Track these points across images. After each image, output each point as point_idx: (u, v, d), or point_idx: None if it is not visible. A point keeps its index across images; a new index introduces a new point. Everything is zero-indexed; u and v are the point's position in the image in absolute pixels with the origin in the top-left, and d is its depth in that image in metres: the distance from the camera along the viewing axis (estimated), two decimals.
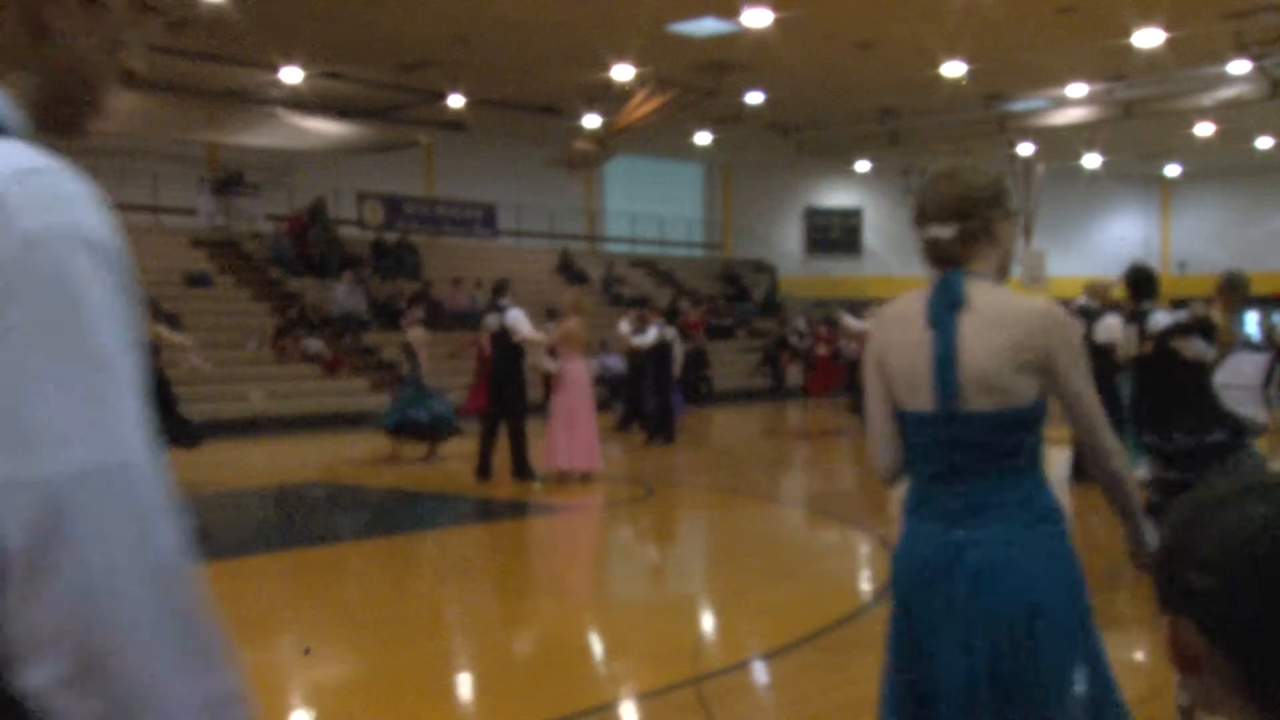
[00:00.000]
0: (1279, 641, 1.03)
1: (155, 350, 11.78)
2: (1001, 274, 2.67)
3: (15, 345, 0.92)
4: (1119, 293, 9.35)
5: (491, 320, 12.06)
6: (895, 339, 2.67)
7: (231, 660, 1.02)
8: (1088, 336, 10.09)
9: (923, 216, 2.65)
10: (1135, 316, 7.18)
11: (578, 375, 11.92)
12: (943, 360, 2.54)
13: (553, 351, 12.15)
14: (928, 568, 2.61)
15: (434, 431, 13.60)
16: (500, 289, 12.42)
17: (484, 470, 11.89)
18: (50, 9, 1.08)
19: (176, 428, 11.80)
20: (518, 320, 11.78)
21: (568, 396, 11.81)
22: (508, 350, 11.81)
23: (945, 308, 2.57)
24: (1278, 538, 1.04)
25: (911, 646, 2.71)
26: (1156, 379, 6.98)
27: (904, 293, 2.75)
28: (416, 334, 13.93)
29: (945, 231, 2.60)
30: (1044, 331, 2.51)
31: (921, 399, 2.59)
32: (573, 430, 11.68)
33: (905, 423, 2.67)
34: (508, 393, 11.85)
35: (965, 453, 2.56)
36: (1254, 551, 1.04)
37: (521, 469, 11.87)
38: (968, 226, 2.60)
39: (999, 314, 2.54)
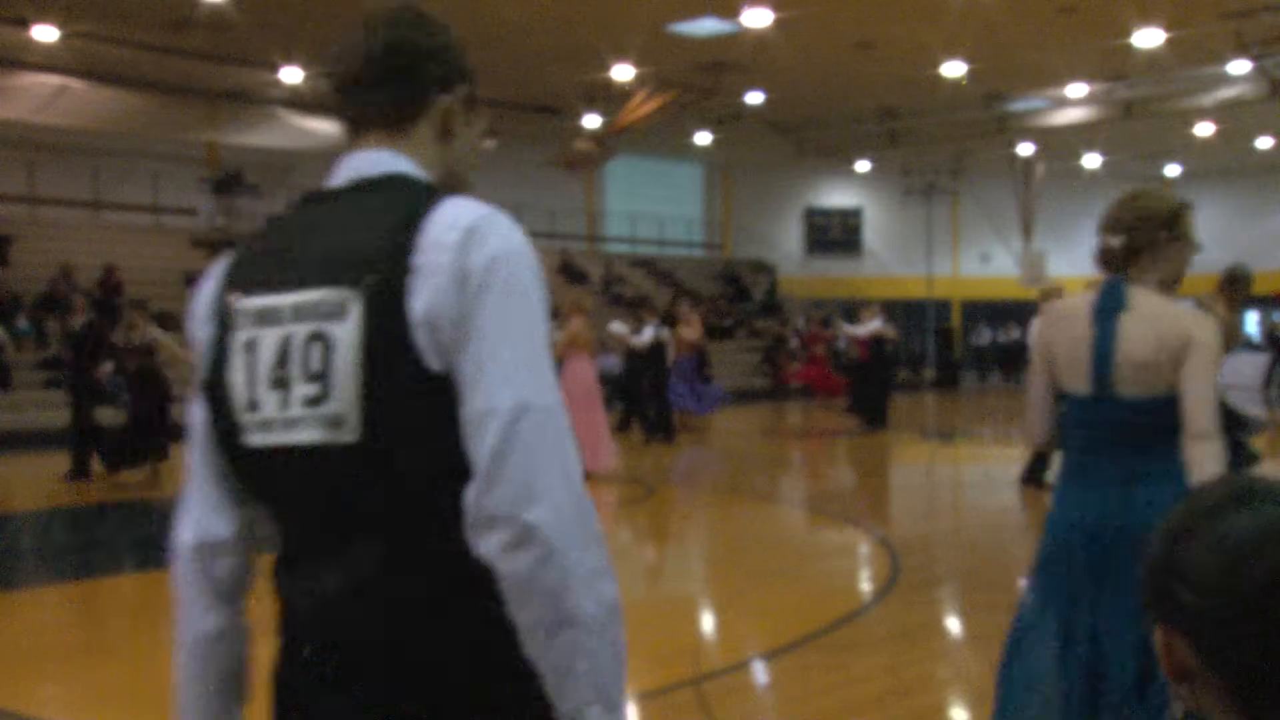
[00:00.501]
0: (1265, 662, 1.03)
1: (149, 350, 11.76)
2: (1166, 287, 3.16)
3: (486, 323, 1.40)
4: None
5: None
6: (1062, 331, 3.19)
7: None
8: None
9: (1103, 227, 3.18)
10: None
11: (583, 375, 11.91)
12: (1102, 353, 3.06)
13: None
14: (1083, 523, 3.06)
15: None
16: None
17: None
18: (454, 118, 1.66)
19: (162, 437, 11.77)
20: None
21: (571, 398, 11.78)
22: None
23: (1108, 309, 3.09)
24: (1267, 562, 1.03)
25: (1068, 597, 3.14)
26: None
27: (1075, 294, 3.34)
28: None
29: (1115, 241, 3.13)
30: (1187, 332, 2.98)
31: (1080, 383, 3.12)
32: (581, 431, 11.67)
33: (1065, 402, 3.20)
34: None
35: (1115, 430, 3.07)
36: (1241, 577, 1.04)
37: None
38: (1134, 240, 3.12)
39: (1153, 316, 3.04)
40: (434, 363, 1.40)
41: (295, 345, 1.46)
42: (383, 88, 1.61)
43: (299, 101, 22.14)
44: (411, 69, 1.63)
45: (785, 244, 34.01)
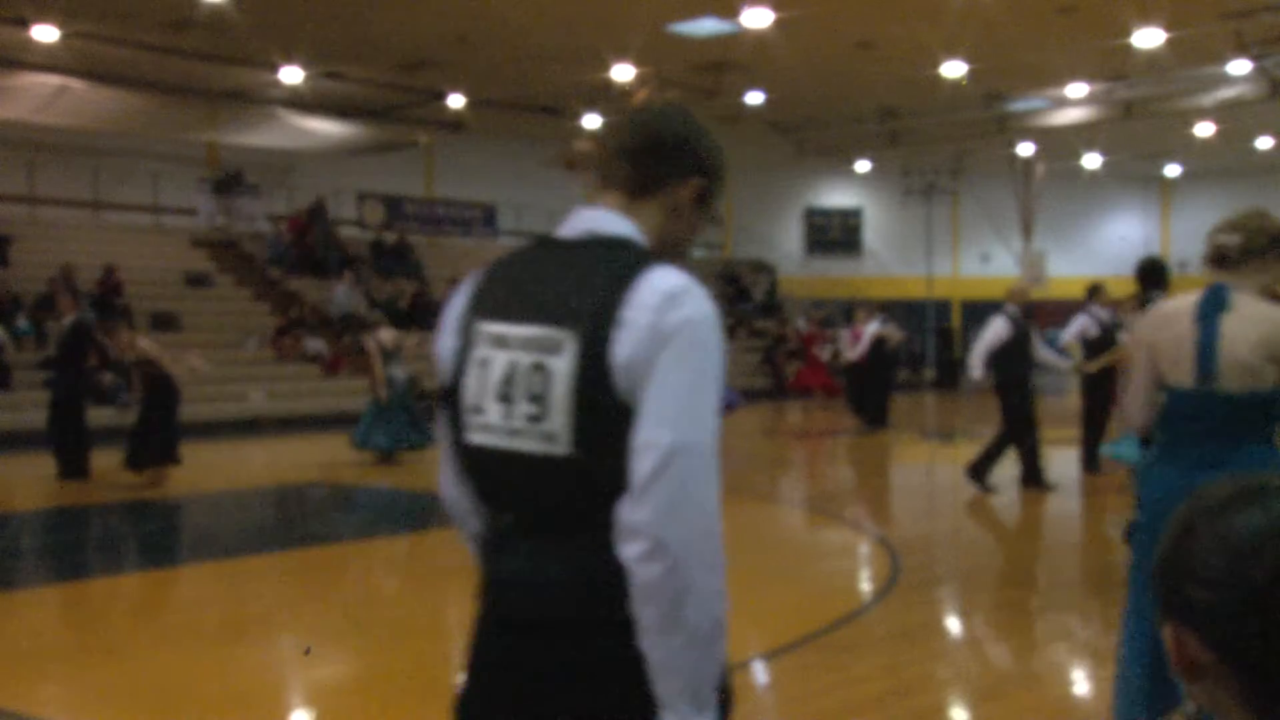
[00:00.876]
0: (1274, 656, 1.03)
1: (149, 360, 11.71)
2: (1266, 293, 3.49)
3: (664, 370, 1.68)
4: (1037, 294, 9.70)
5: None
6: (1165, 328, 3.52)
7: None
8: (1019, 342, 10.16)
9: (1220, 228, 3.51)
10: (1145, 307, 7.25)
11: None
12: (1205, 349, 3.37)
13: None
14: (1168, 500, 3.19)
15: (392, 452, 13.47)
16: None
17: None
18: (682, 203, 1.93)
19: (165, 445, 11.76)
20: None
21: None
22: None
23: (1212, 309, 3.40)
24: (1274, 555, 1.04)
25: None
26: None
27: (1179, 295, 3.64)
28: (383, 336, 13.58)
29: (1231, 239, 3.44)
30: None
31: (1183, 376, 3.44)
32: None
33: (1166, 393, 3.53)
34: None
35: (1212, 421, 3.40)
36: (1250, 570, 1.04)
37: None
38: (1250, 243, 3.44)
39: (1254, 317, 3.36)
40: (629, 398, 1.70)
41: (520, 370, 1.78)
42: (632, 161, 1.92)
43: (299, 101, 22.13)
44: (659, 154, 1.92)
45: (785, 244, 34.00)
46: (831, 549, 9.03)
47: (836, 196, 34.40)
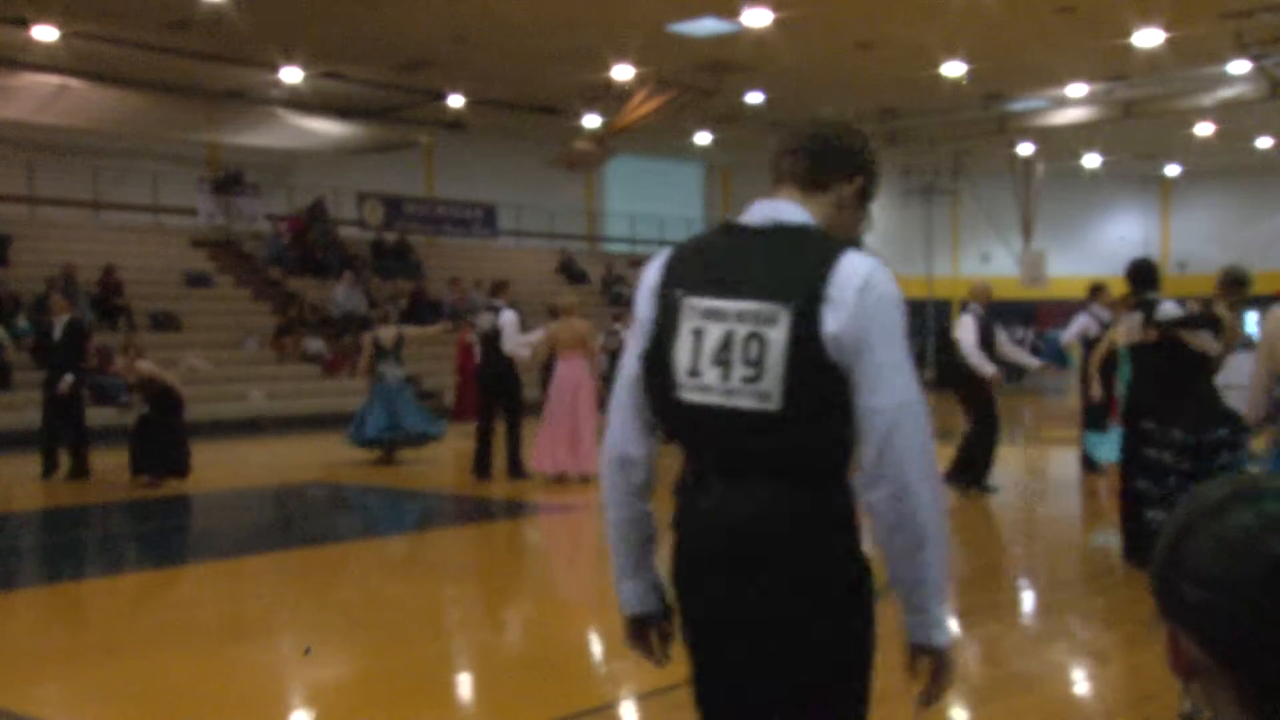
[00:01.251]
0: (1268, 655, 1.03)
1: (152, 379, 11.64)
2: None
3: (876, 344, 2.05)
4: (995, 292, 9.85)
5: (484, 320, 11.92)
6: None
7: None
8: (984, 340, 10.13)
9: None
10: (1142, 306, 7.11)
11: (568, 375, 11.60)
12: None
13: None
14: None
15: (390, 447, 13.50)
16: (497, 289, 12.35)
17: (482, 469, 11.82)
18: (846, 199, 2.29)
19: (175, 458, 11.73)
20: (508, 325, 11.59)
21: (556, 397, 11.62)
22: (500, 350, 11.68)
23: None
24: (1267, 554, 1.04)
25: None
26: (1158, 368, 6.96)
27: None
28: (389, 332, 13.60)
29: None
30: None
31: None
32: (559, 431, 11.47)
33: None
34: (502, 392, 11.77)
35: None
36: (1244, 568, 1.04)
37: (516, 468, 11.80)
38: None
39: None
40: (837, 363, 2.06)
41: (737, 339, 2.12)
42: (807, 160, 2.28)
43: (299, 101, 22.13)
44: (830, 156, 2.28)
45: None
46: None
47: None
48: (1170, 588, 1.09)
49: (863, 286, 2.05)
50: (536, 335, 12.30)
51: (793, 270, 2.11)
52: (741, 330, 2.11)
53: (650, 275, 2.30)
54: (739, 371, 2.10)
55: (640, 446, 2.32)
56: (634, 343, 2.29)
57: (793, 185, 2.27)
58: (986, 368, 10.26)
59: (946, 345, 13.16)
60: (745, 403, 2.10)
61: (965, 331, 10.29)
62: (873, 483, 2.09)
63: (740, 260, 2.17)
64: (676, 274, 2.24)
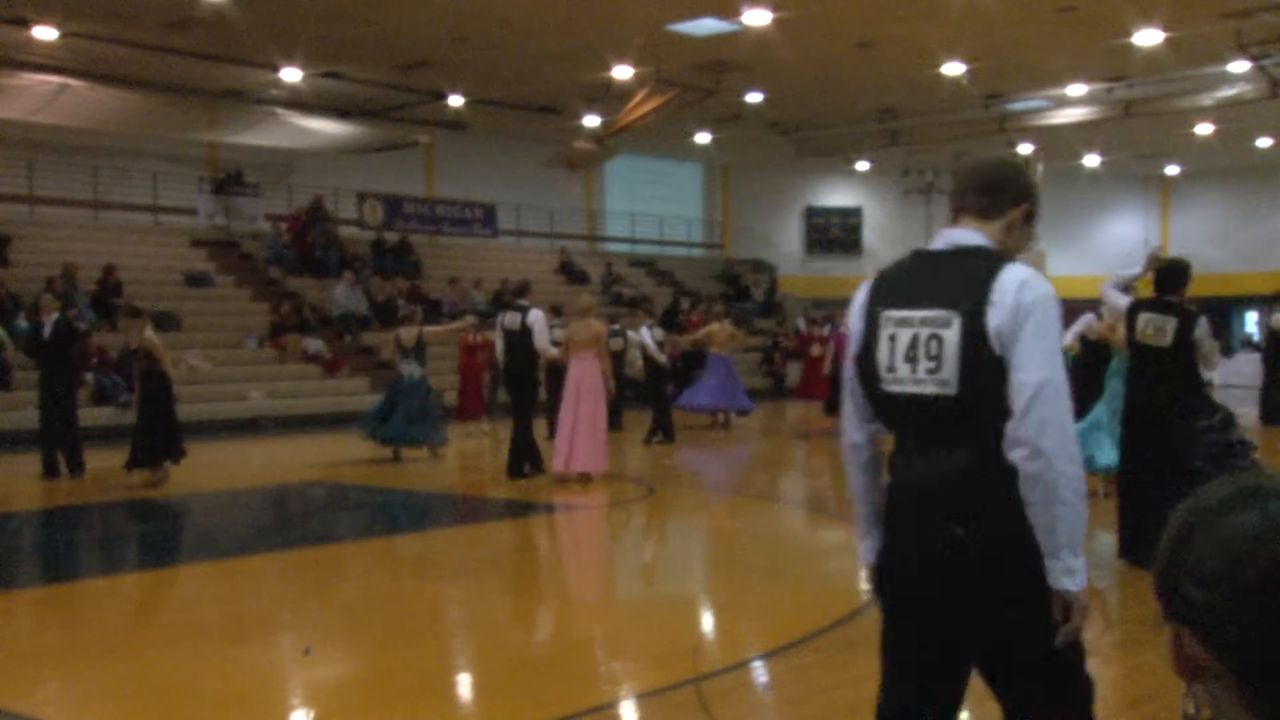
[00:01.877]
0: (1272, 654, 1.03)
1: (149, 353, 11.72)
2: None
3: (1027, 334, 2.53)
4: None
5: (510, 319, 12.02)
6: None
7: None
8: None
9: None
10: (1177, 310, 7.04)
11: (581, 375, 11.77)
12: None
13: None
14: None
15: (397, 449, 13.60)
16: (521, 289, 12.52)
17: (515, 466, 11.95)
18: (1015, 223, 2.80)
19: (168, 443, 11.78)
20: (539, 323, 11.80)
21: (570, 397, 11.75)
22: (526, 349, 11.83)
23: None
24: (1271, 554, 1.03)
25: None
26: (1168, 369, 7.02)
27: None
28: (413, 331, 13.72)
29: None
30: None
31: None
32: (572, 431, 11.60)
33: None
34: (521, 391, 11.95)
35: None
36: (1248, 569, 1.04)
37: (518, 468, 11.88)
38: None
39: None
40: (1000, 354, 2.56)
41: (921, 340, 2.66)
42: (982, 195, 2.83)
43: (299, 101, 22.12)
44: (1000, 189, 2.82)
45: (785, 244, 33.99)
46: (831, 549, 9.02)
47: (836, 196, 34.39)
48: (1174, 588, 1.09)
49: (1018, 289, 2.57)
50: (560, 334, 12.56)
51: (963, 282, 2.64)
52: (924, 332, 2.65)
53: (860, 296, 2.84)
54: (923, 365, 2.64)
55: (862, 433, 2.90)
56: (850, 349, 2.86)
57: (970, 215, 2.82)
58: None
59: None
60: (930, 389, 2.64)
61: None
62: (1013, 444, 2.55)
63: (924, 278, 2.74)
64: (878, 293, 2.80)
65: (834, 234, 34.30)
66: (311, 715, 5.00)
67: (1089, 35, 18.24)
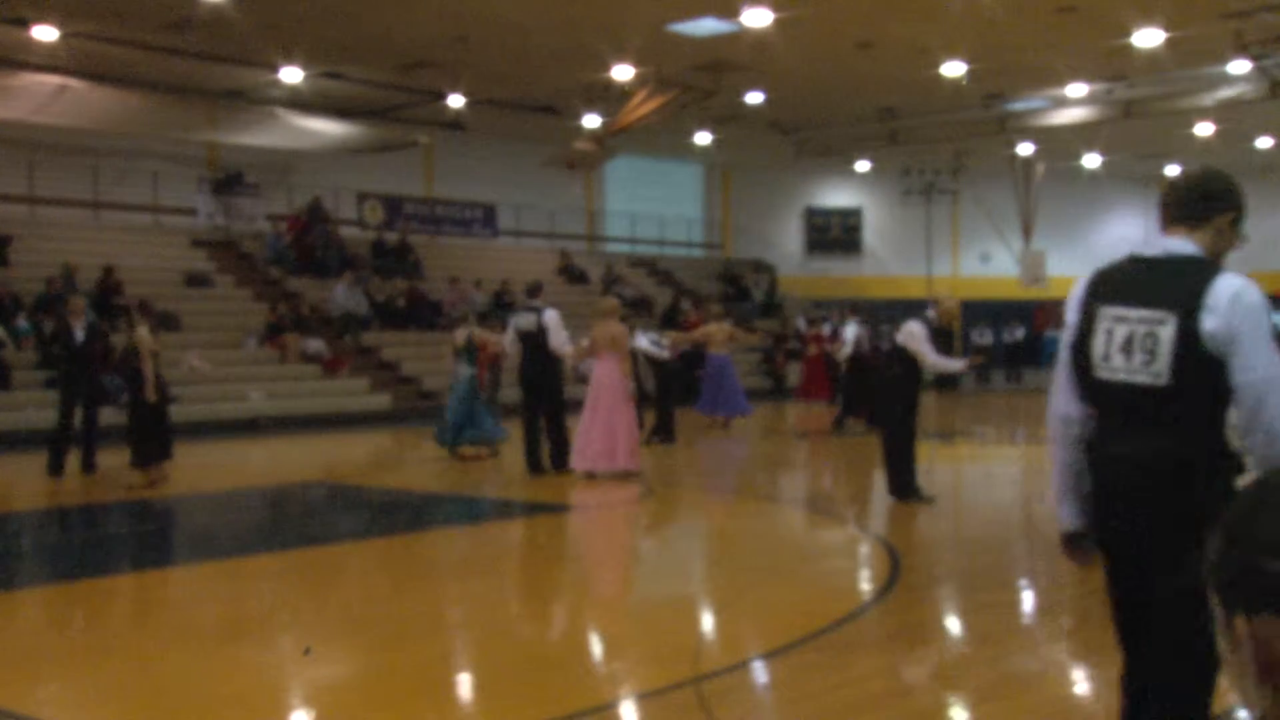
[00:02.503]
0: None
1: (139, 353, 11.72)
2: None
3: (1246, 338, 2.91)
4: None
5: (525, 320, 12.12)
6: None
7: None
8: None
9: None
10: None
11: (603, 376, 11.89)
12: None
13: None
14: None
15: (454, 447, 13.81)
16: (534, 290, 12.66)
17: (534, 465, 12.06)
18: (1223, 230, 3.21)
19: (157, 443, 11.81)
20: (554, 322, 11.98)
21: (592, 397, 11.85)
22: (542, 348, 11.95)
23: None
24: None
25: None
26: None
27: None
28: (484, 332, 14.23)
29: None
30: None
31: None
32: (598, 429, 11.72)
33: None
34: (545, 388, 12.04)
35: None
36: None
37: (562, 461, 12.01)
38: None
39: None
40: (1213, 354, 2.91)
41: (1138, 335, 3.02)
42: (1191, 204, 3.16)
43: (299, 101, 22.12)
44: (1208, 200, 3.17)
45: (785, 244, 33.99)
46: (831, 549, 9.03)
47: (836, 196, 34.39)
48: (1246, 570, 1.03)
49: (1233, 298, 2.91)
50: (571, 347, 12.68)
51: (1179, 287, 2.99)
52: (1141, 329, 3.00)
53: (1077, 290, 3.20)
54: (1138, 358, 3.01)
55: (1075, 409, 3.21)
56: (1065, 337, 3.22)
57: (1180, 224, 3.14)
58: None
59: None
60: (1144, 379, 3.00)
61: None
62: (1248, 431, 2.94)
63: (1141, 280, 3.08)
64: (1095, 290, 3.16)
65: (834, 234, 34.30)
66: (311, 715, 5.00)
67: (1089, 35, 18.24)
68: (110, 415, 16.76)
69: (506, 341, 12.59)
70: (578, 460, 11.81)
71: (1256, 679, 1.03)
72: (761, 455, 16.10)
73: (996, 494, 10.51)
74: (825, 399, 21.63)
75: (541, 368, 12.05)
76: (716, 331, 17.96)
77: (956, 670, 5.43)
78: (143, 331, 11.80)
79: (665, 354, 16.62)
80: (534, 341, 11.98)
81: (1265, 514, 1.03)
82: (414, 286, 23.72)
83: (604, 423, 11.67)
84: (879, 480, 13.44)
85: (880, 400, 10.38)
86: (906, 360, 9.98)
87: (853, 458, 15.50)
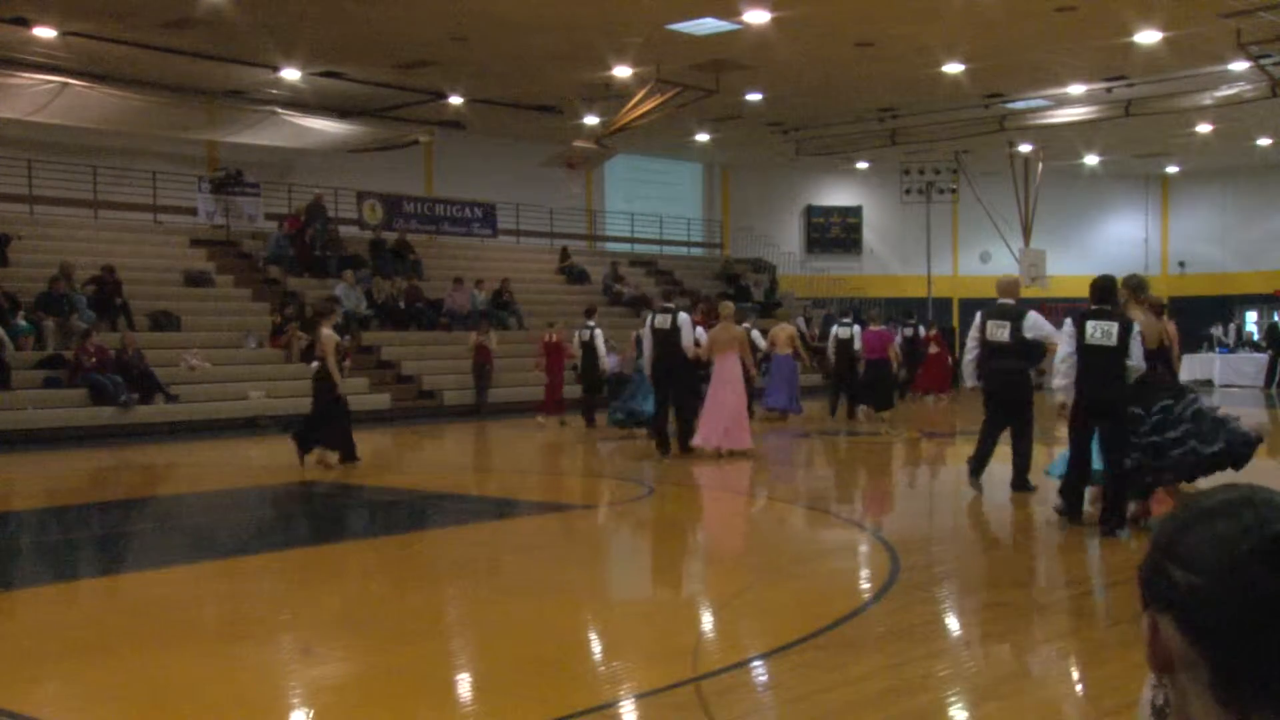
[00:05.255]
0: (1254, 641, 1.05)
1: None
2: None
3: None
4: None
5: (661, 319, 13.90)
6: None
7: None
8: (1017, 332, 10.00)
9: None
10: (1104, 316, 8.35)
11: (724, 371, 13.77)
12: None
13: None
14: None
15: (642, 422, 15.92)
16: (675, 295, 14.53)
17: (663, 446, 14.03)
18: None
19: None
20: (687, 324, 13.75)
21: (716, 388, 13.70)
22: (675, 346, 13.64)
23: None
24: (1264, 538, 1.06)
25: None
26: (1113, 368, 8.33)
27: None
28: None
29: None
30: None
31: None
32: (721, 414, 13.56)
33: None
34: (679, 384, 13.87)
35: None
36: (1238, 550, 1.06)
37: (686, 443, 13.88)
38: None
39: None
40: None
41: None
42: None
43: (299, 101, 22.12)
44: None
45: (785, 243, 33.98)
46: (831, 549, 9.03)
47: (836, 195, 34.38)
48: (1160, 574, 1.12)
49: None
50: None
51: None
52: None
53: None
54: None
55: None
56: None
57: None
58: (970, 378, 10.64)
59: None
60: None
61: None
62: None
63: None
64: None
65: (834, 233, 34.29)
66: (311, 715, 5.00)
67: (1089, 35, 18.24)
68: (111, 415, 16.77)
69: (641, 336, 14.56)
70: (709, 439, 13.58)
71: (1155, 668, 1.14)
72: (762, 455, 16.09)
73: (996, 494, 10.50)
74: (945, 392, 23.77)
75: (676, 361, 13.71)
76: (779, 333, 19.62)
77: (956, 670, 5.43)
78: (327, 331, 12.35)
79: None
80: (667, 338, 13.67)
81: (1189, 534, 1.12)
82: (414, 286, 23.72)
83: (729, 408, 13.58)
84: (879, 480, 13.46)
85: (1010, 393, 10.26)
86: (1030, 349, 10.46)
87: (853, 458, 15.50)
